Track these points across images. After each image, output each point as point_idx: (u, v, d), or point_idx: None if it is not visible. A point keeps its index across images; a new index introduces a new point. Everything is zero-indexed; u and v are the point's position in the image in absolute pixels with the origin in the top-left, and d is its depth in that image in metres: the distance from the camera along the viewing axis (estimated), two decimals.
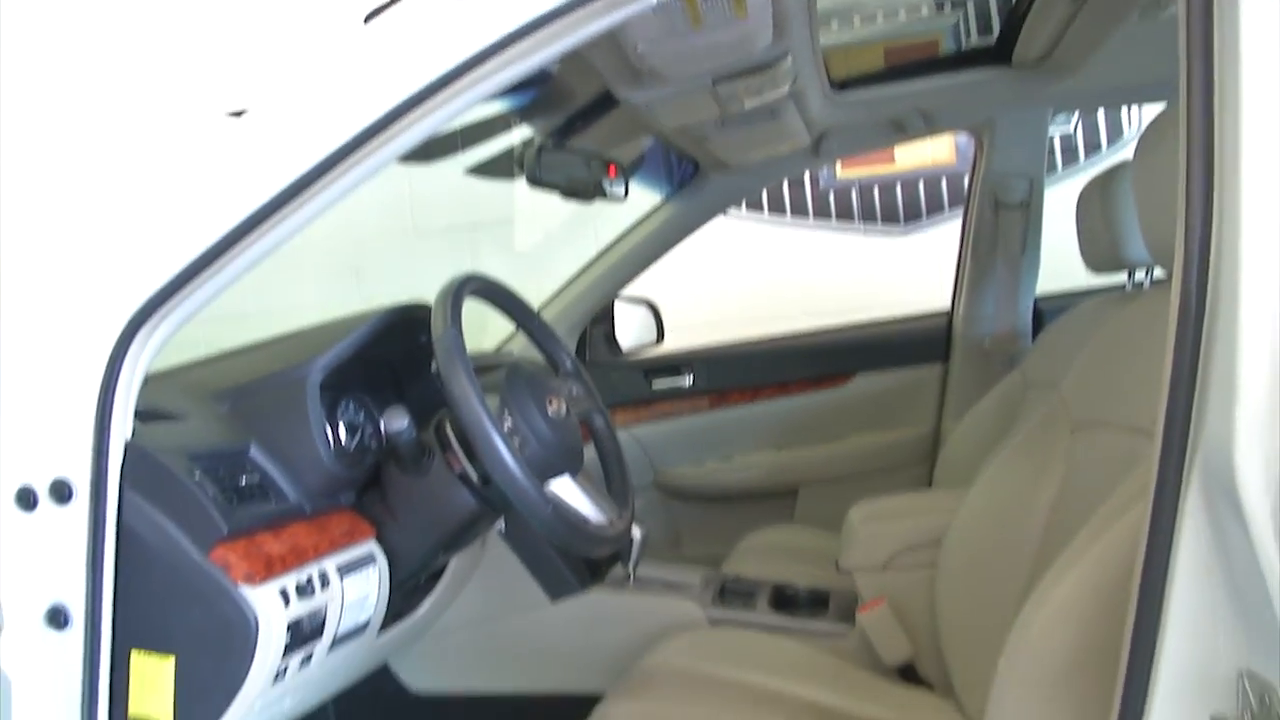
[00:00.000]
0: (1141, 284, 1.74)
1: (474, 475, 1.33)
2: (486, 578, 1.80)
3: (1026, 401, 2.03)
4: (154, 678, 1.13)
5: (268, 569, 1.15)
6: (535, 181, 1.89)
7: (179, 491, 1.11)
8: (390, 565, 1.37)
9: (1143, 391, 1.26)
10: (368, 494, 1.39)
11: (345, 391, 1.44)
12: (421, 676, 1.84)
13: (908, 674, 1.66)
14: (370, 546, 1.35)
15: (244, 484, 1.20)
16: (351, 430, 1.43)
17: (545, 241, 4.42)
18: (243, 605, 1.11)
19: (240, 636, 1.11)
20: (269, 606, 1.13)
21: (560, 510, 1.27)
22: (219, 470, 1.18)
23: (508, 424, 1.31)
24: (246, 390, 1.30)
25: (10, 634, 1.09)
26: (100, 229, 1.08)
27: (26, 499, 1.08)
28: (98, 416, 1.07)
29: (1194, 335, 0.80)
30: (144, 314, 1.06)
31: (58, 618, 1.09)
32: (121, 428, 1.08)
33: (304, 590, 1.19)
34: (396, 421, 1.28)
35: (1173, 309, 0.82)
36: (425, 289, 1.43)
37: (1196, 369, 0.80)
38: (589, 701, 1.50)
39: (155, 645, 1.12)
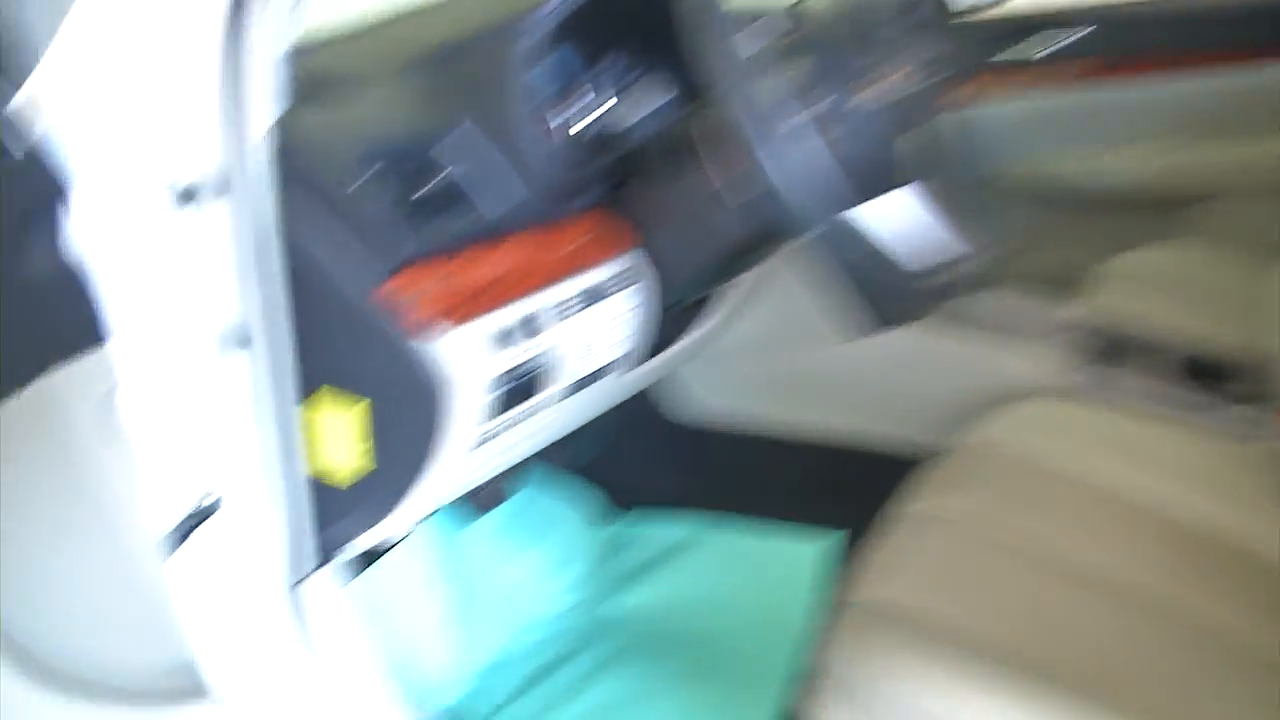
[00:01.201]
0: None
1: (735, 193, 0.93)
2: (782, 295, 1.45)
3: None
4: (339, 424, 0.91)
5: (467, 307, 0.86)
6: None
7: (340, 201, 0.83)
8: (653, 288, 1.05)
9: None
10: (625, 192, 1.05)
11: (602, 50, 1.06)
12: (689, 405, 1.58)
13: None
14: (623, 264, 1.02)
15: (438, 189, 0.88)
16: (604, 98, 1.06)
17: None
18: (425, 360, 0.83)
19: (425, 399, 0.85)
20: (467, 359, 0.85)
21: (868, 245, 0.87)
22: (402, 170, 0.87)
23: (810, 111, 0.89)
24: (446, 57, 0.95)
25: (193, 357, 0.91)
26: None
27: (186, 195, 0.85)
28: (229, 94, 0.78)
29: None
30: None
31: (237, 338, 0.89)
32: (262, 108, 0.79)
33: (522, 330, 0.90)
34: (638, 107, 0.90)
35: None
36: None
37: None
38: (886, 463, 1.17)
39: (340, 386, 0.89)
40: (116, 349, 0.92)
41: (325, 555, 1.00)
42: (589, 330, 0.97)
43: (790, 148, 0.80)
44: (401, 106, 0.93)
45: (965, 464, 1.16)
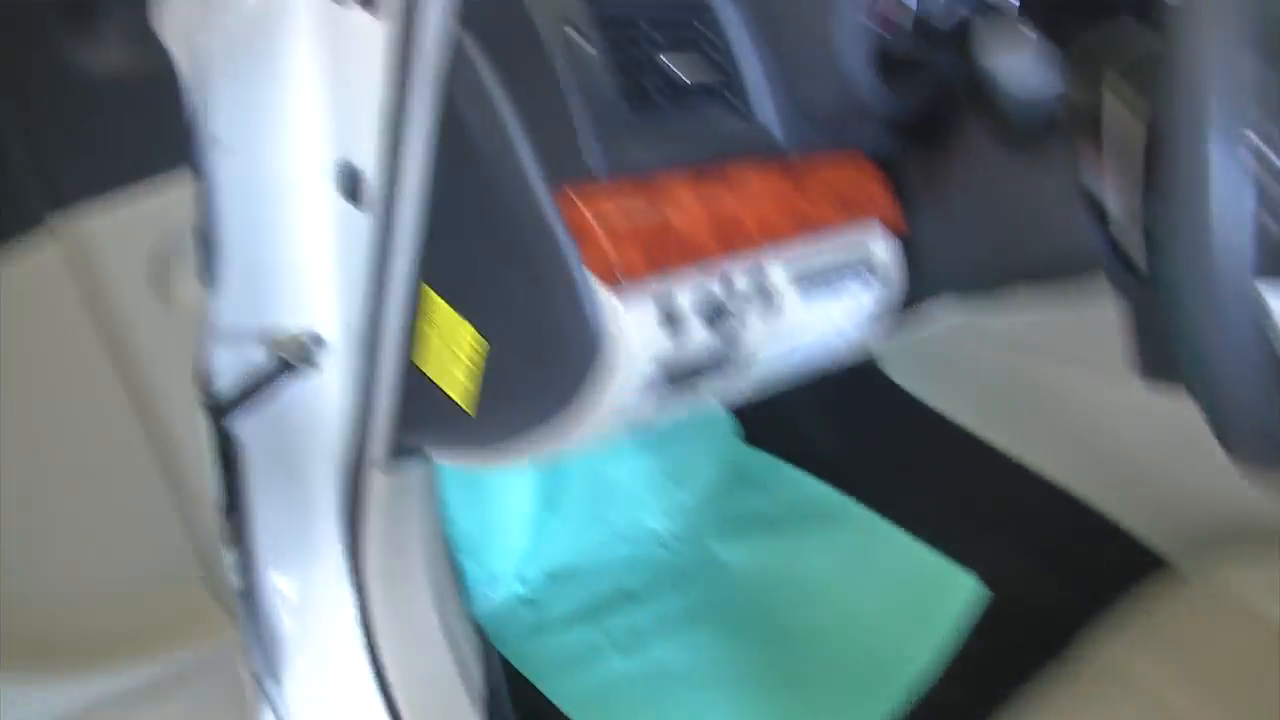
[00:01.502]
0: None
1: (1120, 217, 0.63)
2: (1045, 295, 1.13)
3: None
4: (447, 333, 0.69)
5: (655, 256, 0.60)
6: None
7: (534, 60, 0.57)
8: (901, 281, 0.76)
9: None
10: (910, 142, 0.74)
11: None
12: (918, 382, 1.29)
13: None
14: (876, 245, 0.74)
15: (673, 75, 0.61)
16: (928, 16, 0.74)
17: None
18: (586, 310, 0.59)
19: (566, 353, 0.62)
20: (633, 327, 0.60)
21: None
22: (634, 32, 0.60)
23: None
24: None
25: (301, 194, 0.70)
26: None
27: None
28: None
29: None
30: None
31: (349, 181, 0.67)
32: None
33: (714, 312, 0.64)
34: (1006, 54, 0.59)
35: None
36: None
37: None
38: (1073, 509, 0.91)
39: (455, 291, 0.67)
40: (212, 160, 0.71)
41: (398, 455, 0.81)
42: (797, 322, 0.71)
43: (1238, 172, 0.50)
44: None
45: (1184, 611, 0.88)
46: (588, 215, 0.58)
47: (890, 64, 0.69)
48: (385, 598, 0.94)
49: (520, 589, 1.26)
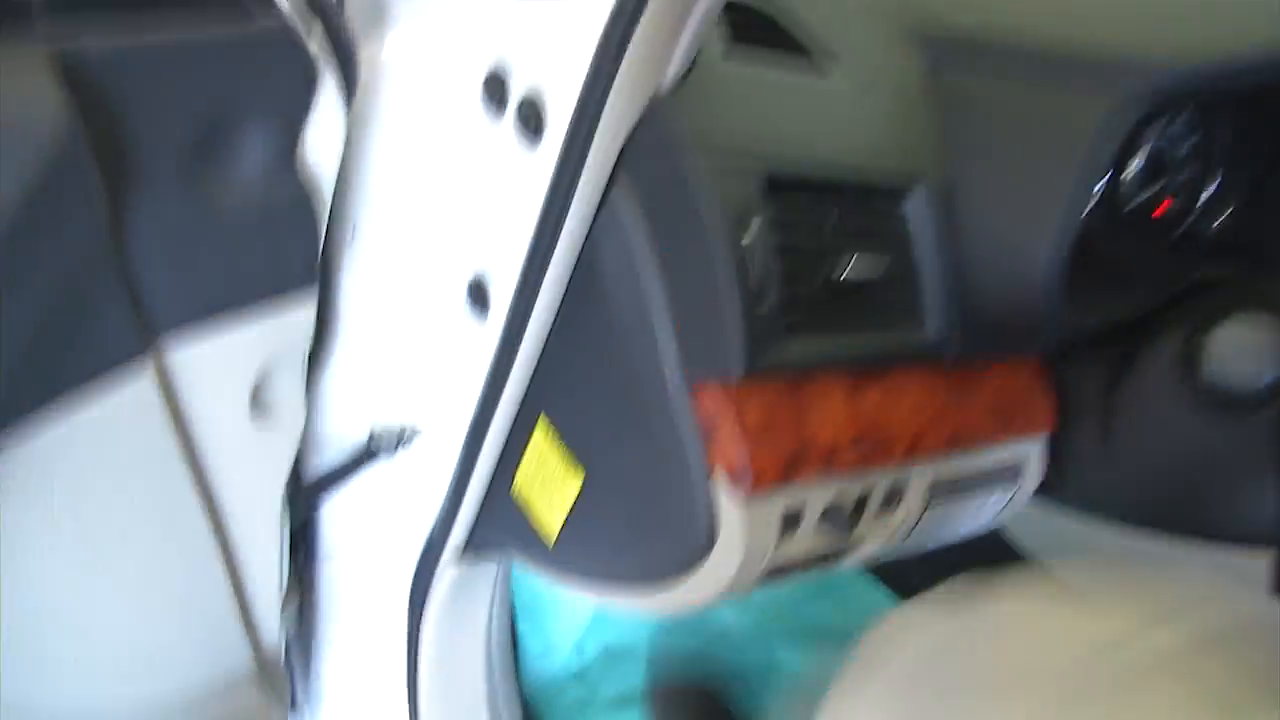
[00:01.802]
0: None
1: None
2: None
3: None
4: (548, 466, 0.65)
5: (790, 465, 0.55)
6: None
7: (694, 240, 0.52)
8: (1033, 491, 0.70)
9: None
10: (1090, 356, 0.68)
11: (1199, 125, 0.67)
12: (1024, 529, 1.21)
13: None
14: (1030, 460, 0.68)
15: (844, 273, 0.56)
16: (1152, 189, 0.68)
17: None
18: (701, 509, 0.55)
19: (677, 545, 0.57)
20: (750, 533, 0.55)
21: None
22: (820, 226, 0.55)
23: None
24: (962, 49, 0.59)
25: (429, 291, 0.66)
26: None
27: (495, 94, 0.58)
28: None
29: None
30: None
31: (479, 294, 0.63)
32: (651, 62, 0.49)
33: (838, 517, 0.59)
34: (1241, 366, 0.53)
35: None
36: None
37: None
38: None
39: (567, 429, 0.63)
40: (343, 250, 0.68)
41: (477, 549, 0.78)
42: (918, 526, 0.65)
43: None
44: (873, 110, 0.59)
45: None
46: (725, 415, 0.53)
47: (1079, 270, 0.63)
48: (435, 671, 0.91)
49: (575, 661, 1.23)
